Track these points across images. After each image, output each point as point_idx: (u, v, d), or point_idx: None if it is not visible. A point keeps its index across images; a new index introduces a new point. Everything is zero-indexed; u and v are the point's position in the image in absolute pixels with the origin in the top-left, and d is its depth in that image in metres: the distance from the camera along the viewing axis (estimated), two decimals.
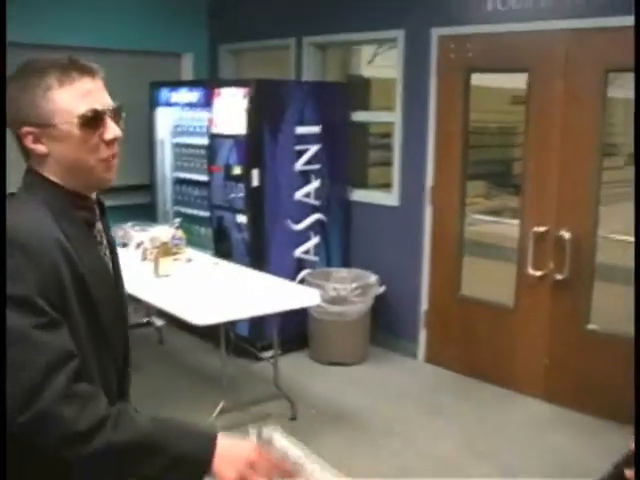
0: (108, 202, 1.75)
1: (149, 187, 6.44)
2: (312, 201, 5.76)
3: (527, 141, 5.01)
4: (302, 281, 5.60)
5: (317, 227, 5.85)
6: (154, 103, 6.28)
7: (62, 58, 1.56)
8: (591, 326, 4.83)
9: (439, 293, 5.59)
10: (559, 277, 4.87)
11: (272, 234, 5.57)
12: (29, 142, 1.55)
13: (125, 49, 6.20)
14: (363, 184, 6.25)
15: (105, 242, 1.71)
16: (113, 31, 6.11)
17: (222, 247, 5.67)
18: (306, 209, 5.75)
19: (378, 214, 5.84)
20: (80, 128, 1.54)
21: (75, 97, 1.54)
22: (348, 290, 5.46)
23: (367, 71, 6.71)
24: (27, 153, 1.58)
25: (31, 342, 1.42)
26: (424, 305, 5.66)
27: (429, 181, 5.49)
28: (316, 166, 5.74)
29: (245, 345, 5.42)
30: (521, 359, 5.16)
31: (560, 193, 4.85)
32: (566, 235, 4.80)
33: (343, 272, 5.83)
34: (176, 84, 6.30)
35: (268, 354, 5.24)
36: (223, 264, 5.07)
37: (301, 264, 5.78)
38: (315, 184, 5.76)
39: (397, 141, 5.66)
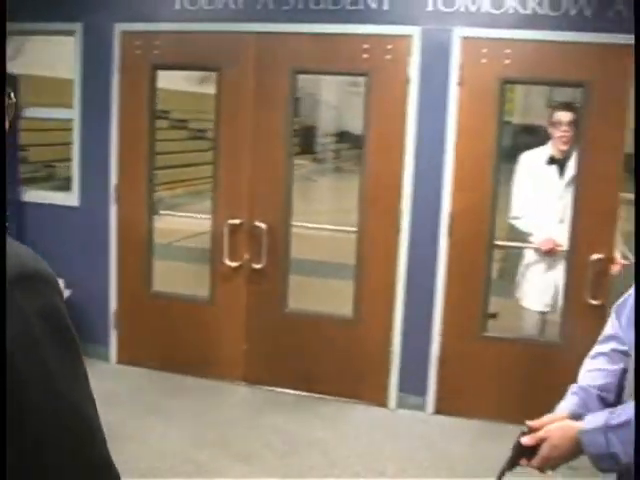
0: None
1: None
2: None
3: (218, 138, 5.19)
4: None
5: None
6: None
7: None
8: (289, 309, 5.20)
9: (130, 292, 5.50)
10: (256, 266, 5.14)
11: None
12: None
13: None
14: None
15: None
16: None
17: None
18: None
19: (57, 215, 5.53)
20: None
21: None
22: None
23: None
24: None
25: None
26: (114, 306, 5.52)
27: (113, 180, 5.37)
28: None
29: None
30: (221, 348, 5.34)
31: (254, 186, 5.12)
32: (262, 226, 5.09)
33: None
34: None
35: None
36: None
37: None
38: None
39: (76, 139, 5.44)
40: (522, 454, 1.97)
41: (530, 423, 1.98)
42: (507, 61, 4.57)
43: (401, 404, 4.99)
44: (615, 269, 4.66)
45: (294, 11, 4.86)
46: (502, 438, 4.48)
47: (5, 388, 1.19)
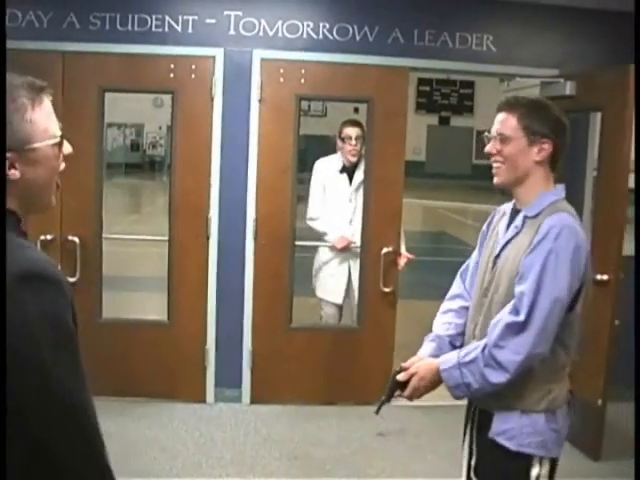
0: None
1: None
2: None
3: None
4: None
5: None
6: None
7: (18, 76, 1.51)
8: (103, 319, 5.36)
9: None
10: (71, 280, 5.24)
11: None
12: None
13: None
14: None
15: None
16: None
17: None
18: None
19: None
20: (56, 147, 1.53)
21: (46, 117, 1.51)
22: None
23: None
24: None
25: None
26: None
27: None
28: None
29: None
30: None
31: (64, 202, 5.22)
32: (75, 240, 5.22)
33: None
34: None
35: None
36: None
37: None
38: None
39: None
40: (396, 388, 2.49)
41: (403, 364, 2.52)
42: (302, 80, 5.15)
43: (218, 398, 5.34)
44: (401, 262, 5.35)
45: (101, 32, 5.08)
46: (314, 418, 5.04)
47: (5, 389, 1.32)
